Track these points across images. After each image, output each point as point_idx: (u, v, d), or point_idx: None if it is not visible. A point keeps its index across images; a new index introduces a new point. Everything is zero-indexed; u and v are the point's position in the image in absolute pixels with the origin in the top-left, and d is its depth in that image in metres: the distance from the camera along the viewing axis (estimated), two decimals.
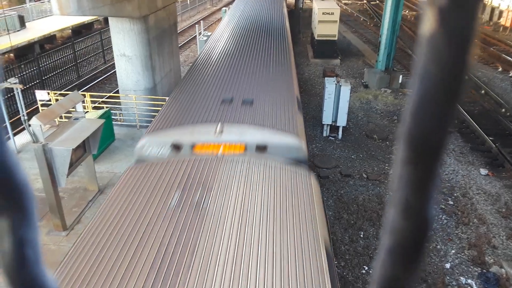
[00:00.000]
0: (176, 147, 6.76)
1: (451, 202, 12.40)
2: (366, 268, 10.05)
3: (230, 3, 37.88)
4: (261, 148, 6.75)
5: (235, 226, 4.82)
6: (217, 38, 14.90)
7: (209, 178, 5.61)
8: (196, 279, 4.09)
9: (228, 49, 12.99)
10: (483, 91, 20.18)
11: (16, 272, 0.39)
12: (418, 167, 0.34)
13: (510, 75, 22.64)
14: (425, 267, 10.00)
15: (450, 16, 0.31)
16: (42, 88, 19.40)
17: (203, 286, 4.00)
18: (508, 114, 17.80)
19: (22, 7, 29.35)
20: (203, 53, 12.73)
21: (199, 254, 4.43)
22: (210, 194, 5.29)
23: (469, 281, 9.74)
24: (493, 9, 33.30)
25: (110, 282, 4.13)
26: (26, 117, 12.41)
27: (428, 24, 0.32)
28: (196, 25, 26.33)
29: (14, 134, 14.61)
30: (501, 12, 32.23)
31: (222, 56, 12.15)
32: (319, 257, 4.44)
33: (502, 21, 31.72)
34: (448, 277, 9.81)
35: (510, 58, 24.03)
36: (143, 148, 6.87)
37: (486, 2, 35.20)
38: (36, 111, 16.21)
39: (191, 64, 14.60)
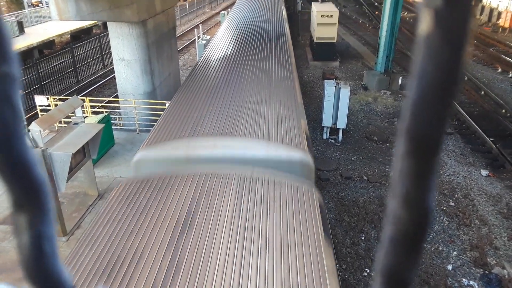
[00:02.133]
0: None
1: (452, 204, 12.36)
2: (368, 270, 10.01)
3: (229, 6, 37.93)
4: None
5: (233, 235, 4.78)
6: (218, 42, 14.90)
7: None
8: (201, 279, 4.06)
9: (229, 52, 12.97)
10: (483, 92, 20.17)
11: (33, 266, 0.41)
12: (417, 160, 0.37)
13: (510, 75, 22.64)
14: (427, 269, 9.96)
15: (445, 16, 0.32)
16: (41, 93, 19.40)
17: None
18: (508, 114, 17.77)
19: (21, 12, 29.39)
20: (204, 57, 12.71)
21: (199, 256, 4.40)
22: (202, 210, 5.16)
23: (472, 282, 9.70)
24: (492, 10, 33.34)
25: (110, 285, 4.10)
26: (25, 122, 12.39)
27: (424, 24, 0.33)
28: (195, 29, 26.37)
29: None
30: (499, 13, 32.27)
31: (223, 60, 12.14)
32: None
33: (501, 22, 31.76)
34: (450, 279, 9.76)
35: (509, 59, 24.03)
36: None
37: (485, 4, 35.25)
38: (35, 116, 16.20)
39: (191, 68, 14.57)
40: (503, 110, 18.15)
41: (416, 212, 0.39)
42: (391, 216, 0.40)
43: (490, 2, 34.94)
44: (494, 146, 15.01)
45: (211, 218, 5.10)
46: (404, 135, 0.37)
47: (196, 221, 5.05)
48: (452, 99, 0.35)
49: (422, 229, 0.39)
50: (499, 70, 23.58)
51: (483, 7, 34.91)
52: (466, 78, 21.88)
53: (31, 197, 0.39)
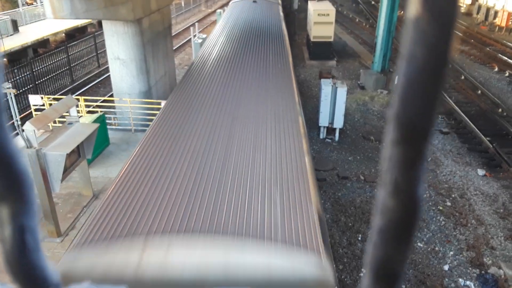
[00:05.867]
0: None
1: (449, 203, 12.33)
2: (365, 271, 9.95)
3: (225, 4, 37.79)
4: None
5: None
6: (214, 40, 14.80)
7: None
8: None
9: (225, 51, 12.88)
10: (479, 91, 20.16)
11: (16, 259, 0.40)
12: (406, 148, 0.36)
13: (506, 75, 22.64)
14: (423, 269, 9.92)
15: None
16: (36, 92, 19.24)
17: None
18: (505, 114, 17.77)
19: (15, 11, 29.18)
20: (200, 56, 12.61)
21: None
22: None
23: (468, 282, 9.66)
24: (488, 9, 33.38)
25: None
26: (19, 122, 12.26)
27: (413, 7, 0.33)
28: (191, 28, 26.24)
29: None
30: (496, 12, 32.31)
31: (219, 58, 12.04)
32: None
33: (498, 21, 31.80)
34: (446, 279, 9.73)
35: (506, 58, 24.04)
36: None
37: (482, 3, 35.28)
38: (29, 116, 16.06)
39: (187, 67, 14.47)
40: (500, 110, 18.14)
41: (405, 201, 0.38)
42: (380, 206, 0.39)
43: (487, 1, 34.98)
44: (491, 145, 14.99)
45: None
46: (393, 122, 0.36)
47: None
48: (441, 84, 0.34)
49: (411, 219, 0.38)
50: (496, 69, 23.57)
51: (479, 6, 34.95)
52: (462, 77, 21.88)
53: (13, 188, 0.38)
